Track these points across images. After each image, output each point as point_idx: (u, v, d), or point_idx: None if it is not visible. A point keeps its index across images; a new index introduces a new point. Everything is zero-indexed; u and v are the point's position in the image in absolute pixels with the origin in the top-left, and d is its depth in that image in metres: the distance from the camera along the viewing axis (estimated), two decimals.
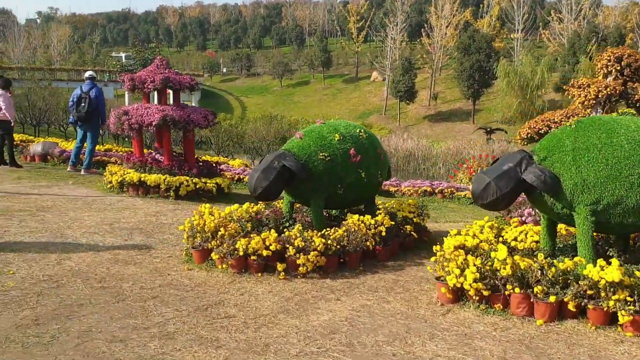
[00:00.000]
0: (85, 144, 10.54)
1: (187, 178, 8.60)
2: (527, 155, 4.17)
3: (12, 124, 10.48)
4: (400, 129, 53.93)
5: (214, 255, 4.79)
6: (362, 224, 5.14)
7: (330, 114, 63.53)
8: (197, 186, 8.63)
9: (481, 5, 72.40)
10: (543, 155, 4.13)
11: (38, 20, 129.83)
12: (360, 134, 5.67)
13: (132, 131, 8.70)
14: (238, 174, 12.62)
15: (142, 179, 8.44)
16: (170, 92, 9.19)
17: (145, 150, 9.46)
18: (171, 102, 9.24)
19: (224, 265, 4.76)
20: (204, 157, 12.22)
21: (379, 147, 5.87)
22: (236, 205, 5.44)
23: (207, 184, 8.75)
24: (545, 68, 43.97)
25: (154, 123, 8.48)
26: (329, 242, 4.81)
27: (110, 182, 8.67)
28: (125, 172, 8.60)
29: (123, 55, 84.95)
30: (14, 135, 11.09)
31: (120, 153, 13.63)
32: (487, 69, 50.32)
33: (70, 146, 13.00)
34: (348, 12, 79.69)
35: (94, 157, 10.77)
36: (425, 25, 65.21)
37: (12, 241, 5.34)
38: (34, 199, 7.53)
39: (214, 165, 9.45)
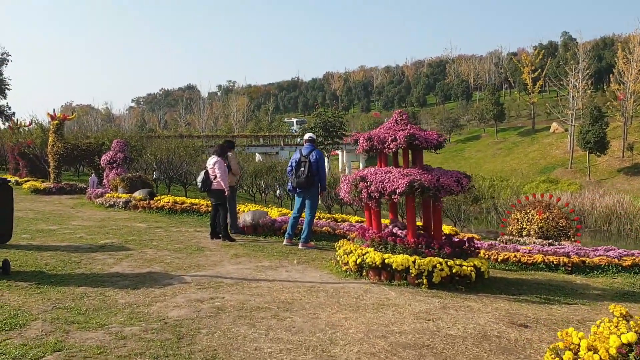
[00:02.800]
0: (303, 214, 9.26)
1: (440, 260, 6.70)
2: None
3: (226, 194, 9.59)
4: (592, 184, 48.36)
5: None
6: None
7: (506, 170, 59.25)
8: (453, 270, 6.68)
9: None
10: None
11: (218, 93, 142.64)
12: None
13: (371, 200, 7.06)
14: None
15: (385, 261, 6.72)
16: (409, 151, 7.50)
17: (384, 221, 7.76)
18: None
19: None
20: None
21: None
22: (633, 335, 3.28)
23: (464, 267, 6.76)
24: None
25: (398, 191, 6.78)
26: None
27: (346, 263, 7.07)
28: (364, 252, 6.95)
29: (294, 120, 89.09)
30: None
31: (324, 220, 12.32)
32: None
33: (273, 214, 12.00)
34: (521, 63, 75.53)
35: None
36: (614, 70, 59.09)
37: None
38: (266, 289, 6.10)
39: (465, 240, 7.46)
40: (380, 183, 6.95)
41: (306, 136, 9.40)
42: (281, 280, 6.62)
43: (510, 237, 14.99)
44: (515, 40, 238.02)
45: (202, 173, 9.50)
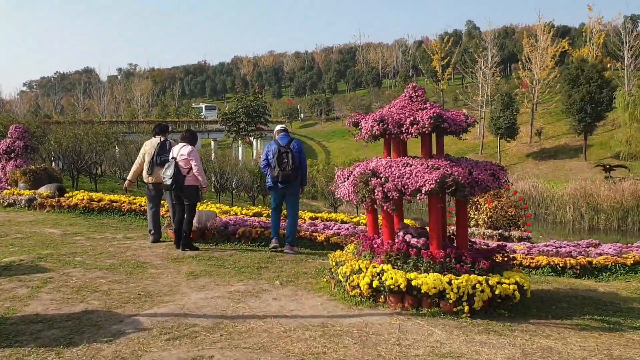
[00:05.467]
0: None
1: (479, 278, 5.17)
2: None
3: (204, 190, 7.96)
4: None
5: None
6: None
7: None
8: (495, 291, 5.18)
9: (582, 35, 67.37)
10: None
11: (119, 77, 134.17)
12: None
13: (388, 202, 5.37)
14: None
15: (412, 283, 5.09)
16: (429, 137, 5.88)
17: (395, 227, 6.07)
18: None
19: None
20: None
21: None
22: None
23: (504, 286, 5.27)
24: None
25: (424, 189, 5.14)
26: None
27: (355, 286, 5.35)
28: (379, 270, 5.27)
29: (203, 105, 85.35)
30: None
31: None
32: (600, 101, 45.55)
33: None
34: (430, 50, 76.51)
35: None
36: (521, 57, 60.98)
37: None
38: (264, 334, 4.27)
39: (496, 249, 5.98)
40: (399, 179, 5.29)
41: (279, 127, 8.23)
42: (275, 315, 4.81)
43: None
44: (420, 29, 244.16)
45: (172, 166, 7.45)
